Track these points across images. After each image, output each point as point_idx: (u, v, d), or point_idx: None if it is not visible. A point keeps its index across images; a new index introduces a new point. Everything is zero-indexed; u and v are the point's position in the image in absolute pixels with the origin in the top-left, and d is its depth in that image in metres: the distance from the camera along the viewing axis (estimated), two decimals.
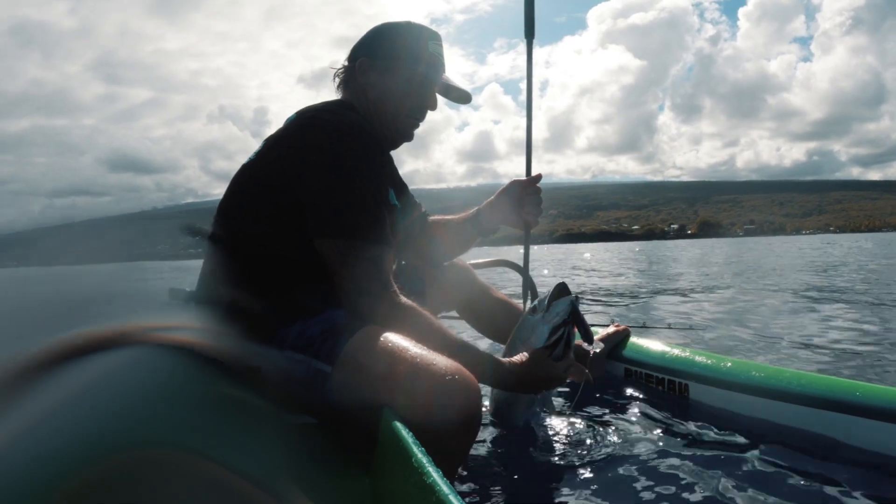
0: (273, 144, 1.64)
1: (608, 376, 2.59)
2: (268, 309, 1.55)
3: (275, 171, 1.58)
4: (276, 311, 1.55)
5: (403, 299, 1.52)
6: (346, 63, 1.85)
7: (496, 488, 1.61)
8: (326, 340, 1.46)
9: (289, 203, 1.54)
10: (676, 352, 2.41)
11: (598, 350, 2.39)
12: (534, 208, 2.09)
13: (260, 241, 1.58)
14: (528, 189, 2.10)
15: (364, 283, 1.49)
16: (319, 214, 1.52)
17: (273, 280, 1.58)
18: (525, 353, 1.67)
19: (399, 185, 2.05)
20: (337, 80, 1.86)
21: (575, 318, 1.75)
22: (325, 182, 1.51)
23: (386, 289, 1.50)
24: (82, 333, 1.21)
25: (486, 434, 1.97)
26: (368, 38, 1.83)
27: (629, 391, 2.39)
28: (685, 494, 1.53)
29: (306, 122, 1.62)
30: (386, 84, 1.79)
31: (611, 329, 2.73)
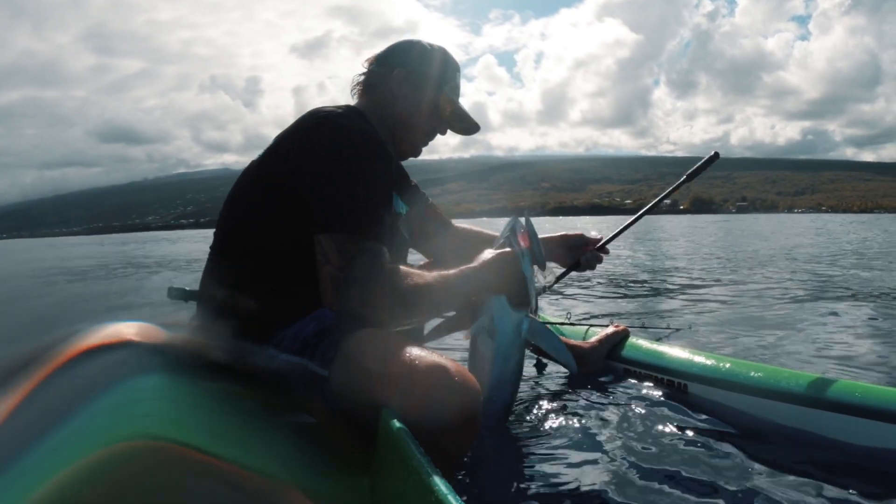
0: (281, 142, 1.65)
1: (607, 376, 2.59)
2: (269, 308, 1.54)
3: (281, 168, 1.59)
4: (276, 310, 1.54)
5: (392, 282, 1.54)
6: (373, 68, 1.88)
7: (495, 488, 1.61)
8: (321, 342, 1.46)
9: (294, 200, 1.55)
10: (675, 352, 2.42)
11: (550, 275, 2.43)
12: (591, 262, 2.38)
13: (264, 238, 1.59)
14: (592, 247, 2.39)
15: (357, 273, 1.49)
16: (324, 211, 1.54)
17: (275, 279, 1.58)
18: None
19: (404, 186, 2.08)
20: (359, 81, 1.90)
21: (514, 232, 1.91)
22: (333, 181, 1.54)
23: (377, 277, 1.52)
24: (78, 334, 1.20)
25: (486, 433, 1.95)
26: (405, 51, 1.89)
27: (628, 391, 2.39)
28: (683, 494, 1.54)
29: (318, 123, 1.64)
30: (418, 100, 1.87)
31: (609, 329, 2.75)
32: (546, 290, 2.59)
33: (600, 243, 2.39)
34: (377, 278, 1.51)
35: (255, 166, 1.69)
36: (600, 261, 2.37)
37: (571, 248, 2.40)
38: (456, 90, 1.96)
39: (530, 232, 1.94)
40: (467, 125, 2.03)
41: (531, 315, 1.94)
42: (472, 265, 1.77)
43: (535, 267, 1.98)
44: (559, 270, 2.37)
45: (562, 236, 2.39)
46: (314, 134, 1.61)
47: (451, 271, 1.70)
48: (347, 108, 1.79)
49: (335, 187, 1.54)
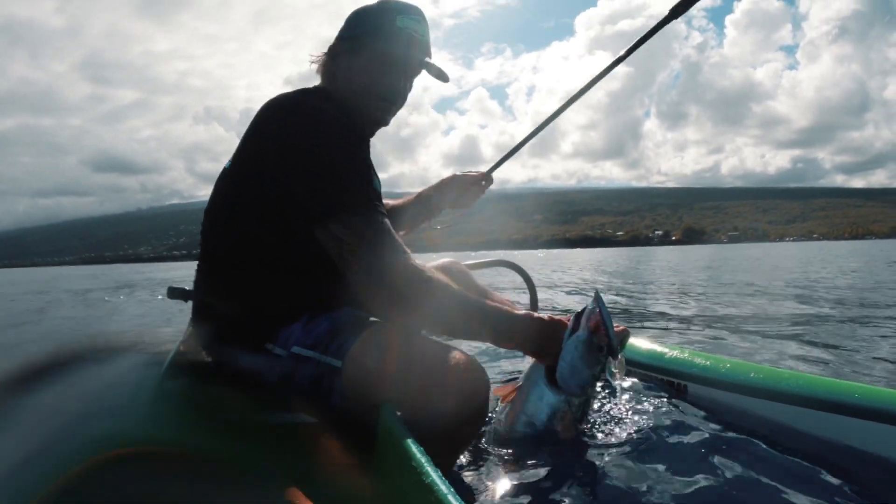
0: (250, 139, 1.58)
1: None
2: (266, 310, 1.54)
3: (258, 167, 1.52)
4: (275, 311, 1.53)
5: (424, 266, 1.48)
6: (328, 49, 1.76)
7: (493, 486, 1.61)
8: (335, 337, 1.45)
9: (278, 197, 1.50)
10: (675, 353, 2.40)
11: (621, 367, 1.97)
12: (476, 197, 2.40)
13: (255, 242, 1.55)
14: (480, 181, 2.38)
15: (385, 250, 1.44)
16: (321, 199, 1.45)
17: (270, 282, 1.55)
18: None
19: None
20: (316, 68, 1.77)
21: (587, 312, 1.65)
22: (315, 166, 1.46)
23: (403, 252, 1.46)
24: (76, 342, 1.25)
25: (484, 431, 1.94)
26: (346, 21, 1.75)
27: (627, 391, 2.36)
28: (683, 495, 1.54)
29: (279, 110, 1.55)
30: (353, 65, 1.69)
31: None
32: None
33: (488, 171, 2.43)
34: (399, 255, 1.45)
35: (230, 170, 1.61)
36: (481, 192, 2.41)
37: (462, 184, 2.37)
38: (398, 37, 1.69)
39: (604, 315, 1.67)
40: (436, 71, 1.79)
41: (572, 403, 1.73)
42: (512, 309, 1.62)
43: (609, 359, 1.71)
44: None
45: (448, 181, 2.37)
46: (283, 124, 1.51)
47: (481, 300, 1.57)
48: (306, 91, 1.68)
49: (321, 171, 1.45)
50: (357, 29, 1.69)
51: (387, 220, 1.47)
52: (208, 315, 1.62)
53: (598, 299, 1.68)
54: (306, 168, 1.46)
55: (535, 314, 1.62)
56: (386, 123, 1.79)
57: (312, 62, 1.76)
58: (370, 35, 1.67)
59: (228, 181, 1.59)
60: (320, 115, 1.51)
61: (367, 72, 1.68)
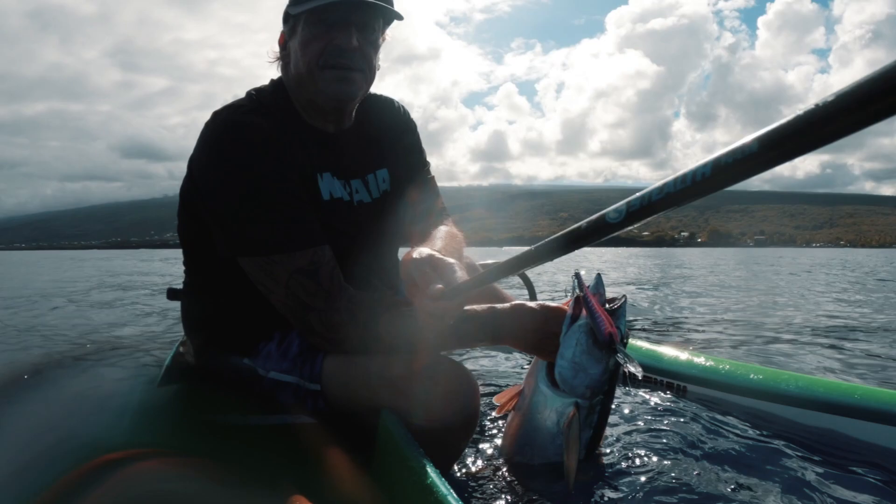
0: (190, 161, 1.52)
1: None
2: (237, 325, 1.54)
3: (190, 186, 1.50)
4: (246, 327, 1.53)
5: (355, 298, 1.39)
6: None
7: (492, 486, 1.61)
8: (307, 359, 1.44)
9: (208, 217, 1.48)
10: (675, 354, 2.39)
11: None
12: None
13: (210, 263, 1.54)
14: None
15: (304, 298, 1.37)
16: (227, 234, 1.42)
17: (233, 298, 1.53)
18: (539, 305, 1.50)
19: (396, 157, 1.78)
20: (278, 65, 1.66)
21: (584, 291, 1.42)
22: (222, 199, 1.41)
23: (330, 296, 1.37)
24: (76, 346, 1.26)
25: (481, 431, 1.96)
26: None
27: (627, 393, 2.35)
28: (682, 495, 1.54)
29: (200, 142, 1.46)
30: (295, 45, 1.52)
31: None
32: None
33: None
34: (322, 303, 1.37)
35: (183, 189, 1.56)
36: None
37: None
38: None
39: (600, 298, 1.46)
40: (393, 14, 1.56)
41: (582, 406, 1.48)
42: (497, 307, 1.46)
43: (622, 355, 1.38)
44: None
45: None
46: (200, 146, 1.45)
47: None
48: (249, 96, 1.58)
49: (229, 206, 1.40)
50: (287, 7, 1.52)
51: (311, 259, 1.39)
52: (194, 321, 1.64)
53: (578, 278, 1.44)
54: (211, 208, 1.44)
55: (527, 304, 1.49)
56: (349, 95, 1.55)
57: (271, 62, 1.65)
58: (295, 4, 1.48)
59: (182, 203, 1.57)
60: (230, 145, 1.41)
61: (305, 45, 1.49)
